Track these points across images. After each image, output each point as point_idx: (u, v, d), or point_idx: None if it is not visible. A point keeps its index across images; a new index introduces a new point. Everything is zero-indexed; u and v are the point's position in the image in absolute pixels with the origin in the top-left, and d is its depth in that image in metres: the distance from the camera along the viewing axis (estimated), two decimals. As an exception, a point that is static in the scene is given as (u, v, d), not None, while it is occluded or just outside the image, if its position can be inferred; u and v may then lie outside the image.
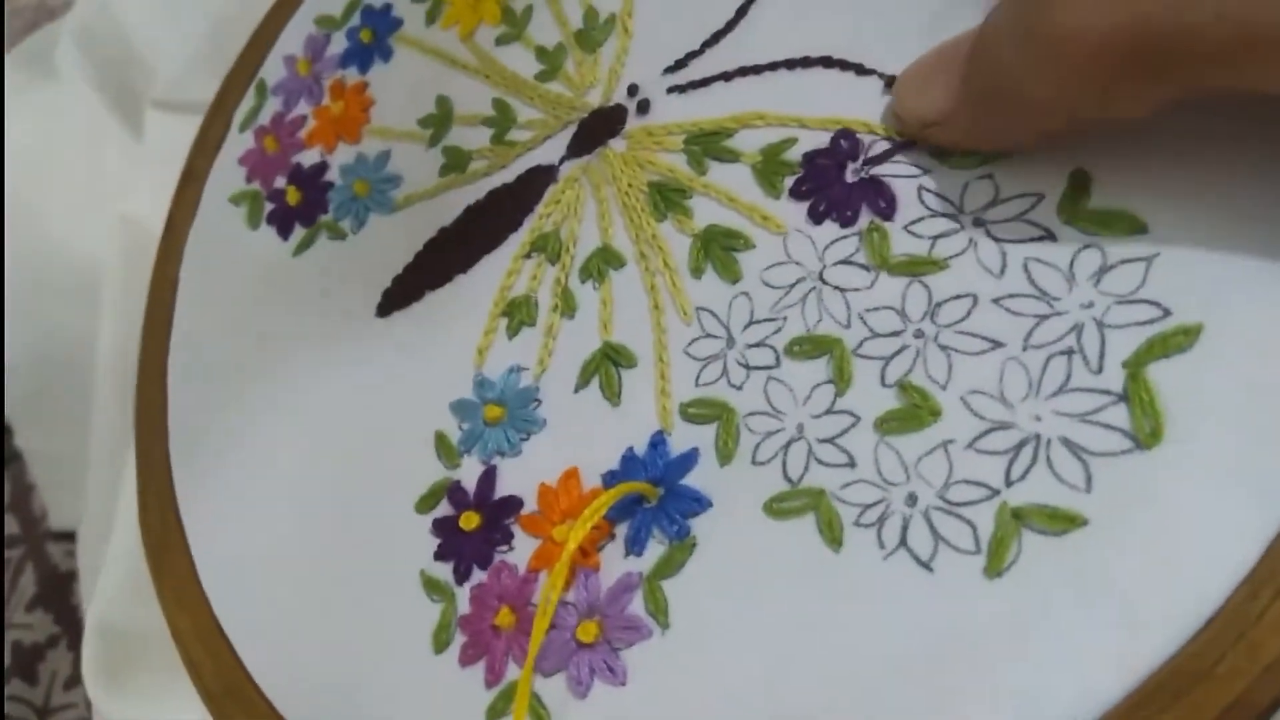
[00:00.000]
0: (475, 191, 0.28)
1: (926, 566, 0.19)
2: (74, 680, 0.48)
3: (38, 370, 0.39)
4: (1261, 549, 0.17)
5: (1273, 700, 0.17)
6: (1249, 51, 0.16)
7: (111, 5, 0.44)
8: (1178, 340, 0.18)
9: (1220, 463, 0.18)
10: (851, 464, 0.20)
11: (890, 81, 0.22)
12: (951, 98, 0.21)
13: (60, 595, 0.49)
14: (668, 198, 0.24)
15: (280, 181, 0.32)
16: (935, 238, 0.21)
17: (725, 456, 0.21)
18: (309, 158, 0.32)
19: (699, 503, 0.21)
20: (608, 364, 0.23)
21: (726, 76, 0.25)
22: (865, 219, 0.22)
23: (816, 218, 0.22)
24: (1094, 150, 0.20)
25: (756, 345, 0.22)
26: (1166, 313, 0.19)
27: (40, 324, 0.40)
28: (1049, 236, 0.20)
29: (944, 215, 0.21)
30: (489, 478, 0.24)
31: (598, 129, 0.26)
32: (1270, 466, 0.17)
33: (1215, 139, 0.19)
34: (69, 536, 0.43)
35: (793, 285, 0.22)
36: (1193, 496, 0.18)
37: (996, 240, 0.20)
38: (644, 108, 0.26)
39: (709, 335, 0.23)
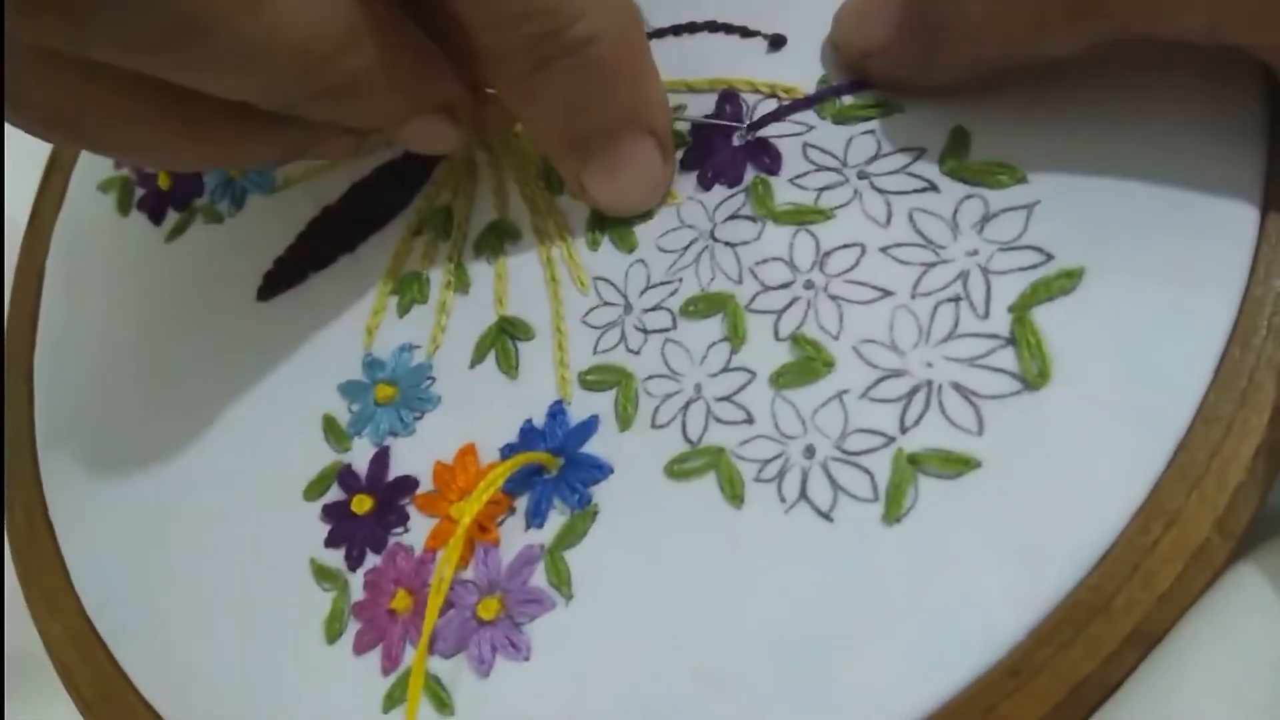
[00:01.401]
0: (361, 169, 0.27)
1: (827, 517, 0.19)
2: None
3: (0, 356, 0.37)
4: (1150, 482, 0.17)
5: (1167, 629, 0.17)
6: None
7: None
8: (1061, 283, 0.19)
9: (1107, 401, 0.18)
10: (750, 420, 0.20)
11: (774, 41, 0.22)
12: (891, 29, 0.21)
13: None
14: None
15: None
16: (820, 189, 0.21)
17: (625, 422, 0.21)
18: (184, 144, 0.30)
19: (600, 470, 0.21)
20: (504, 338, 0.23)
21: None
22: (750, 175, 0.22)
23: (706, 184, 0.22)
24: (972, 107, 0.20)
25: (653, 309, 0.22)
26: (1049, 257, 0.19)
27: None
28: (932, 188, 0.20)
29: (828, 169, 0.21)
30: (381, 459, 0.23)
31: (492, 105, 0.26)
32: (1154, 402, 0.18)
33: (1087, 90, 0.20)
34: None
35: (686, 247, 0.22)
36: (1082, 434, 0.18)
37: (881, 192, 0.20)
38: (532, 79, 0.25)
39: (606, 304, 0.22)
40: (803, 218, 0.21)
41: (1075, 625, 0.17)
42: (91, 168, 0.32)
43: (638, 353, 0.21)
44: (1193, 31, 0.17)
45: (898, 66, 0.21)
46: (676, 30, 0.24)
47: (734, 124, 0.22)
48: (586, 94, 0.21)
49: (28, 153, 0.34)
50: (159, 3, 0.17)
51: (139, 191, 0.30)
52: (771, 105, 0.22)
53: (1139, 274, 0.18)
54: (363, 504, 0.23)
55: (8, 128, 0.21)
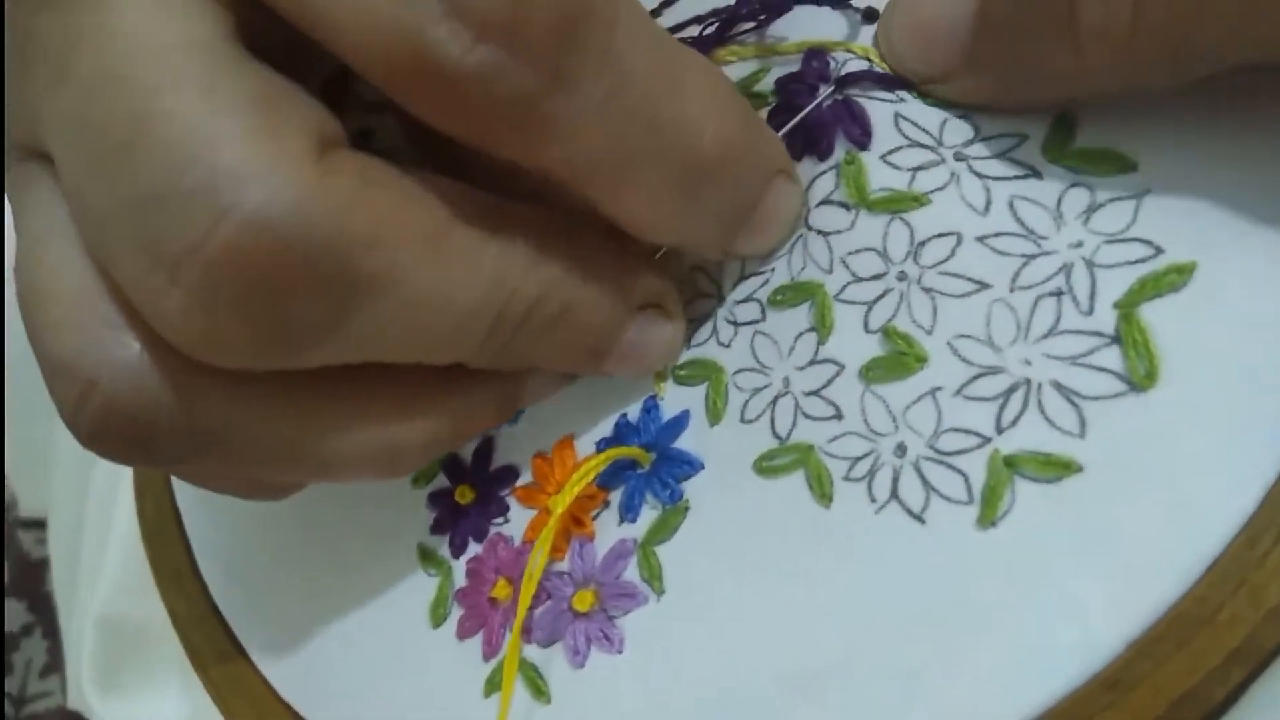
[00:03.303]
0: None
1: (919, 519, 0.18)
2: (49, 668, 0.48)
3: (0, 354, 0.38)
4: (1262, 493, 0.16)
5: (1276, 646, 0.16)
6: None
7: None
8: (1170, 279, 0.18)
9: (1218, 405, 0.17)
10: (839, 416, 0.19)
11: (868, 14, 0.22)
12: (956, 61, 0.20)
13: (32, 583, 0.49)
14: None
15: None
16: (915, 170, 0.20)
17: (715, 416, 0.21)
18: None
19: (690, 465, 0.21)
20: None
21: (700, 20, 0.24)
22: (841, 150, 0.21)
23: (794, 152, 0.21)
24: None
25: (744, 301, 0.21)
26: (1158, 251, 0.18)
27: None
28: (1034, 174, 0.19)
29: (923, 146, 0.20)
30: (485, 450, 0.24)
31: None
32: (1269, 408, 0.17)
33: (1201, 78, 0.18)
34: (40, 524, 0.43)
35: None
36: (1190, 440, 0.17)
37: (979, 176, 0.19)
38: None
39: (702, 295, 0.22)
40: (897, 205, 0.20)
41: (1177, 639, 0.16)
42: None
43: (728, 346, 0.21)
44: None
45: (969, 95, 0.20)
46: (765, 5, 0.23)
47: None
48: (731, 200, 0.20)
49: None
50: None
51: None
52: (864, 66, 0.21)
53: (1254, 271, 0.17)
54: (465, 494, 0.23)
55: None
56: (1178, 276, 0.17)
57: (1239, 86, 0.18)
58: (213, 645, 0.25)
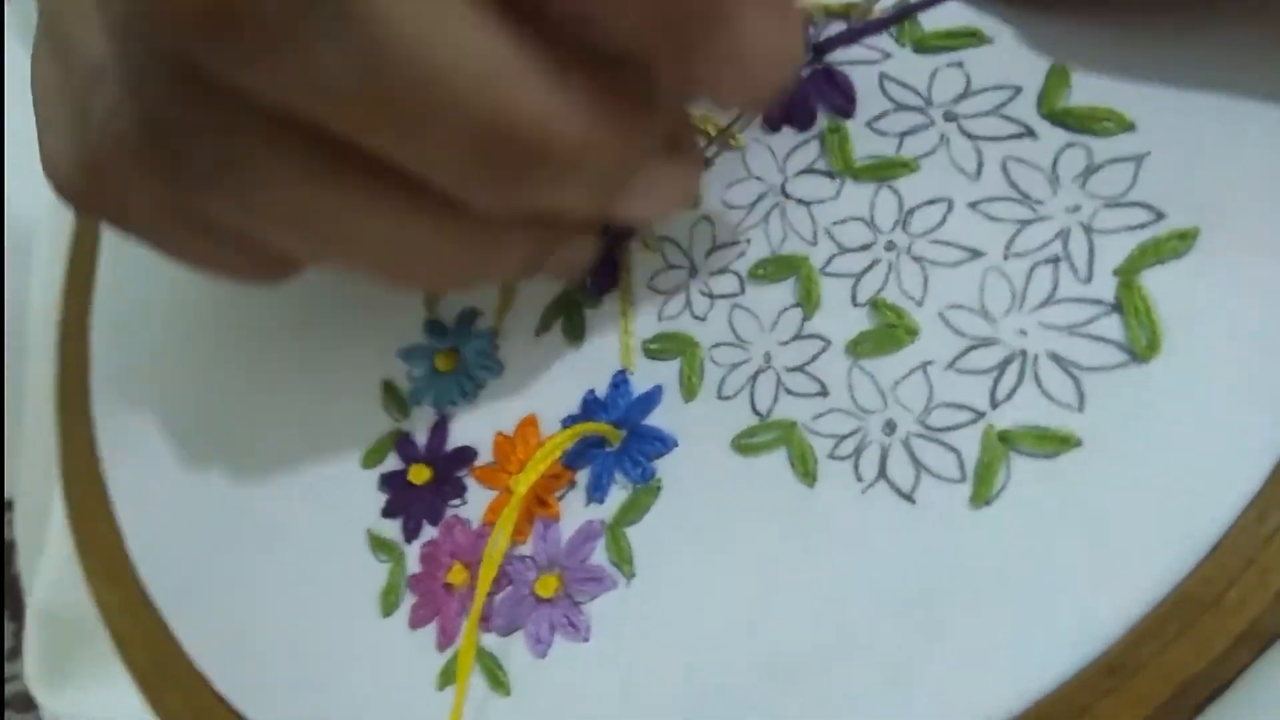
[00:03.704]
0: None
1: (908, 498, 0.17)
2: (15, 652, 0.46)
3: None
4: (1270, 467, 0.15)
5: (1287, 627, 0.15)
6: None
7: None
8: (1172, 245, 0.17)
9: (1223, 375, 0.16)
10: (824, 392, 0.18)
11: None
12: None
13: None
14: None
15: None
16: (902, 135, 0.19)
17: (690, 392, 0.20)
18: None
19: (663, 443, 0.20)
20: (572, 305, 0.22)
21: None
22: (824, 119, 0.20)
23: (773, 123, 0.20)
24: (1074, 41, 0.18)
25: (720, 272, 0.20)
26: (1159, 215, 0.17)
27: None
28: (1029, 133, 0.18)
29: (910, 108, 0.19)
30: (441, 428, 0.22)
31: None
32: (1274, 379, 0.16)
33: (1203, 30, 0.18)
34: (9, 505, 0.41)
35: (754, 203, 0.20)
36: (1194, 412, 0.16)
37: (971, 137, 0.19)
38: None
39: (672, 266, 0.21)
40: (884, 172, 0.19)
41: (1182, 621, 0.15)
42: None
43: (704, 319, 0.20)
44: None
45: None
46: None
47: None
48: None
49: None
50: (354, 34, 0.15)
51: None
52: (842, 29, 0.20)
53: (1258, 237, 0.16)
54: (420, 474, 0.22)
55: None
56: (1180, 243, 0.17)
57: (1239, 46, 0.17)
58: (143, 636, 0.23)
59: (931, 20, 0.20)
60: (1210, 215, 0.17)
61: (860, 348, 0.18)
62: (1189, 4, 0.17)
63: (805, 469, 0.18)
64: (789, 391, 0.19)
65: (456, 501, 0.22)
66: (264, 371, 0.25)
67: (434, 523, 0.22)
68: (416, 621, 0.21)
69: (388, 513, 0.22)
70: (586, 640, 0.19)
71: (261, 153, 0.17)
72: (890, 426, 0.18)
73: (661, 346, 0.20)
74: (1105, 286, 0.17)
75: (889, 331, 0.18)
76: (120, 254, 0.29)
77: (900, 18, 0.20)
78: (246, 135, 0.16)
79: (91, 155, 0.18)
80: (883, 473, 0.18)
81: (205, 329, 0.27)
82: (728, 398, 0.19)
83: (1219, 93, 0.17)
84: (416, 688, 0.20)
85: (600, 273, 0.21)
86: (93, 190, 0.19)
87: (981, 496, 0.17)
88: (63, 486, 0.26)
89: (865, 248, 0.19)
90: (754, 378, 0.19)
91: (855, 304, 0.19)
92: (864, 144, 0.19)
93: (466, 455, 0.22)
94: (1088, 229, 0.17)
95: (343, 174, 0.17)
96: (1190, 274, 0.17)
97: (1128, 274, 0.17)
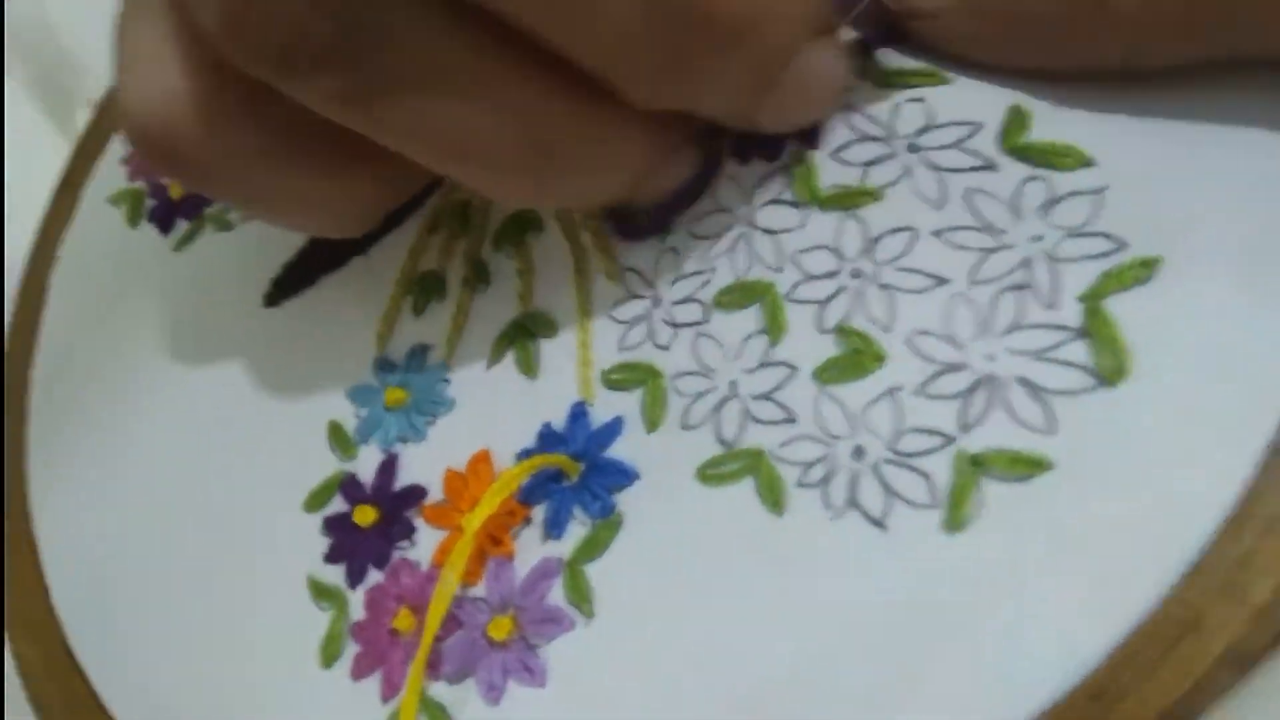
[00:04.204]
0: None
1: (880, 525, 0.17)
2: None
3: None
4: (1241, 486, 0.15)
5: (1265, 647, 0.15)
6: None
7: (44, 4, 0.42)
8: (1136, 273, 0.17)
9: (1190, 398, 0.16)
10: (791, 419, 0.18)
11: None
12: None
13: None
14: None
15: (165, 179, 0.29)
16: (866, 164, 0.19)
17: (652, 423, 0.19)
18: (197, 151, 0.29)
19: (624, 475, 0.19)
20: (524, 335, 0.21)
21: None
22: (789, 149, 0.20)
23: (742, 156, 0.21)
24: (1031, 83, 0.19)
25: (683, 301, 0.20)
26: (1122, 245, 0.17)
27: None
28: (990, 167, 0.18)
29: (874, 139, 0.19)
30: (389, 467, 0.21)
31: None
32: (1242, 399, 0.16)
33: (1156, 71, 0.18)
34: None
35: (722, 234, 0.20)
36: (1164, 434, 0.16)
37: (934, 168, 0.19)
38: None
39: (635, 296, 0.21)
40: (849, 201, 0.19)
41: (1163, 644, 0.15)
42: (104, 183, 0.31)
43: (666, 348, 0.20)
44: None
45: (949, 40, 0.19)
46: None
47: None
48: None
49: (33, 174, 0.33)
50: None
51: (150, 203, 0.29)
52: None
53: (1219, 264, 0.17)
54: (366, 515, 0.21)
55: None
56: (1143, 270, 0.17)
57: (1195, 79, 0.18)
58: (66, 698, 0.22)
59: (892, 60, 0.20)
60: (1172, 244, 0.17)
61: (827, 374, 0.18)
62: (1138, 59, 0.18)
63: (773, 498, 0.18)
64: (755, 419, 0.18)
65: (404, 543, 0.21)
66: (206, 415, 0.24)
67: (380, 566, 0.21)
68: (359, 672, 0.20)
69: (331, 558, 0.21)
70: (543, 686, 0.18)
71: (451, 47, 0.16)
72: (859, 453, 0.17)
73: (622, 377, 0.20)
74: (1071, 312, 0.17)
75: (856, 358, 0.18)
76: (69, 308, 0.28)
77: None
78: (438, 28, 0.16)
79: (207, 91, 0.19)
80: (853, 500, 0.17)
81: (148, 377, 0.25)
82: (692, 427, 0.19)
83: (1176, 124, 0.18)
84: (359, 741, 0.19)
85: (668, 206, 0.21)
86: (198, 131, 0.19)
87: (955, 521, 0.16)
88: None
89: (831, 275, 0.19)
90: (719, 406, 0.19)
91: (821, 330, 0.18)
92: (829, 174, 0.19)
93: (415, 494, 0.21)
94: (1051, 257, 0.17)
95: (500, 58, 0.17)
96: (1155, 300, 0.17)
97: (1093, 300, 0.17)
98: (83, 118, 0.40)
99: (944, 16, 0.19)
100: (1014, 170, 0.18)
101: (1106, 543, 0.16)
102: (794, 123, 0.20)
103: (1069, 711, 0.15)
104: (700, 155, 0.20)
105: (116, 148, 0.31)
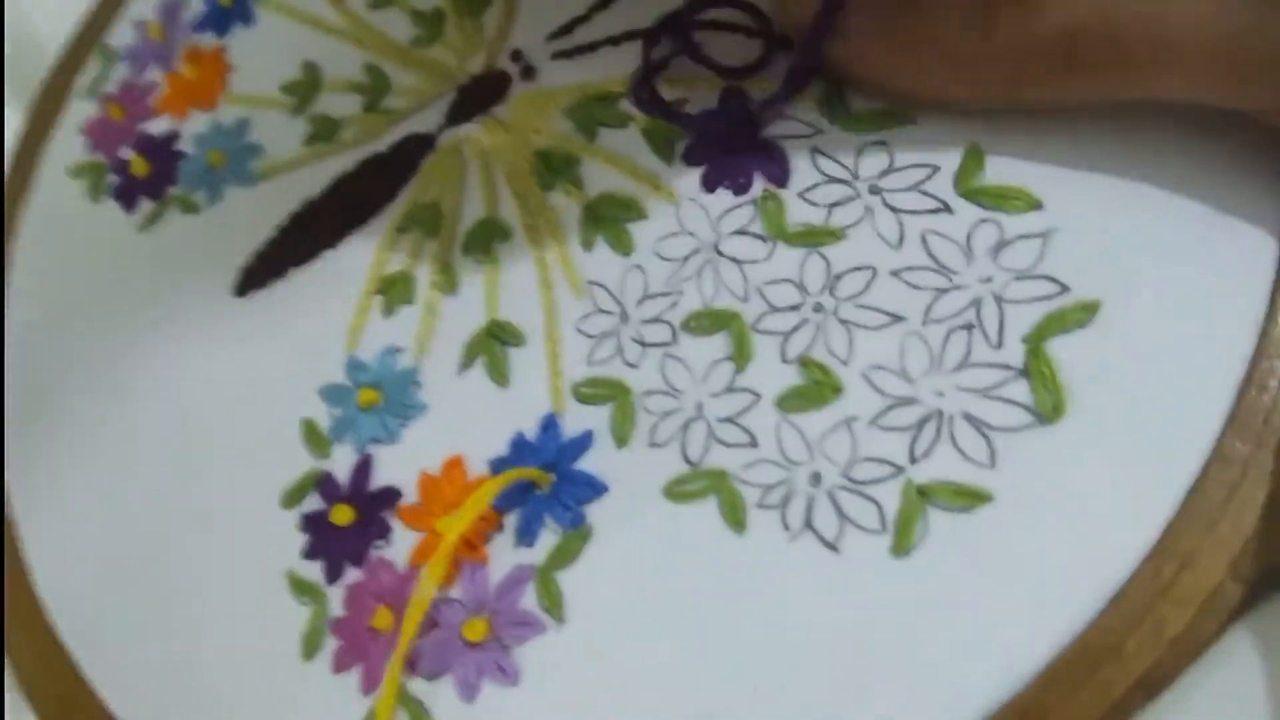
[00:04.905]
0: (345, 162, 0.26)
1: (833, 547, 0.18)
2: None
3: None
4: (1164, 523, 0.17)
5: (1176, 674, 0.17)
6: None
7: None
8: (1076, 316, 0.18)
9: (1122, 437, 0.17)
10: (753, 443, 0.19)
11: (779, 40, 0.22)
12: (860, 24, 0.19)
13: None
14: (555, 166, 0.23)
15: (126, 152, 0.29)
16: (831, 205, 0.20)
17: (621, 439, 0.20)
18: (158, 126, 0.29)
19: (594, 488, 0.20)
20: (494, 343, 0.22)
21: (614, 41, 0.23)
22: (759, 185, 0.21)
23: (709, 185, 0.21)
24: (988, 126, 0.20)
25: (652, 321, 0.21)
26: (1064, 289, 0.18)
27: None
28: (945, 209, 0.19)
29: (839, 181, 0.20)
30: (364, 468, 0.22)
31: (479, 96, 0.25)
32: (1169, 441, 0.17)
33: (1106, 115, 0.19)
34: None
35: (687, 257, 0.21)
36: (1095, 471, 0.17)
37: (894, 210, 0.20)
38: (529, 74, 0.24)
39: (602, 311, 0.21)
40: (814, 239, 0.20)
41: (1086, 668, 0.17)
42: (64, 152, 0.30)
43: (635, 366, 0.21)
44: (1171, 91, 0.17)
45: (856, 67, 0.20)
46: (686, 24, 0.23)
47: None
48: None
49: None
50: None
51: (112, 178, 0.29)
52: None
53: (1155, 310, 0.18)
54: (343, 514, 0.22)
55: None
56: (1083, 314, 0.18)
57: (1142, 126, 0.19)
58: (52, 680, 0.22)
59: (858, 99, 0.21)
60: (1112, 289, 0.18)
61: (789, 402, 0.19)
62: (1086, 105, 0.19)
63: (735, 517, 0.19)
64: (720, 441, 0.19)
65: (381, 543, 0.22)
66: (178, 406, 0.24)
67: (357, 564, 0.22)
68: (340, 666, 0.21)
69: (309, 554, 0.22)
70: (515, 685, 0.19)
71: None
72: (816, 478, 0.19)
73: (593, 391, 0.21)
74: (1015, 353, 0.18)
75: (816, 388, 0.19)
76: (32, 286, 0.28)
77: (797, 84, 0.21)
78: None
79: None
80: (809, 522, 0.18)
81: (115, 360, 0.26)
82: (659, 445, 0.20)
83: (1122, 172, 0.19)
84: (341, 734, 0.20)
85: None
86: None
87: (901, 547, 0.18)
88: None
89: (795, 308, 0.20)
90: (686, 426, 0.20)
91: (784, 360, 0.19)
92: (797, 212, 0.20)
93: (391, 496, 0.22)
94: (999, 299, 0.19)
95: None
96: (1093, 343, 0.18)
97: (1035, 341, 0.18)
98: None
99: (854, 39, 0.20)
100: (968, 212, 0.19)
101: (1038, 573, 0.17)
102: None
103: (999, 728, 0.17)
104: None
105: (75, 115, 0.31)
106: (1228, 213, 0.18)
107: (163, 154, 0.28)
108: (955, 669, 0.17)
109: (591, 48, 0.24)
